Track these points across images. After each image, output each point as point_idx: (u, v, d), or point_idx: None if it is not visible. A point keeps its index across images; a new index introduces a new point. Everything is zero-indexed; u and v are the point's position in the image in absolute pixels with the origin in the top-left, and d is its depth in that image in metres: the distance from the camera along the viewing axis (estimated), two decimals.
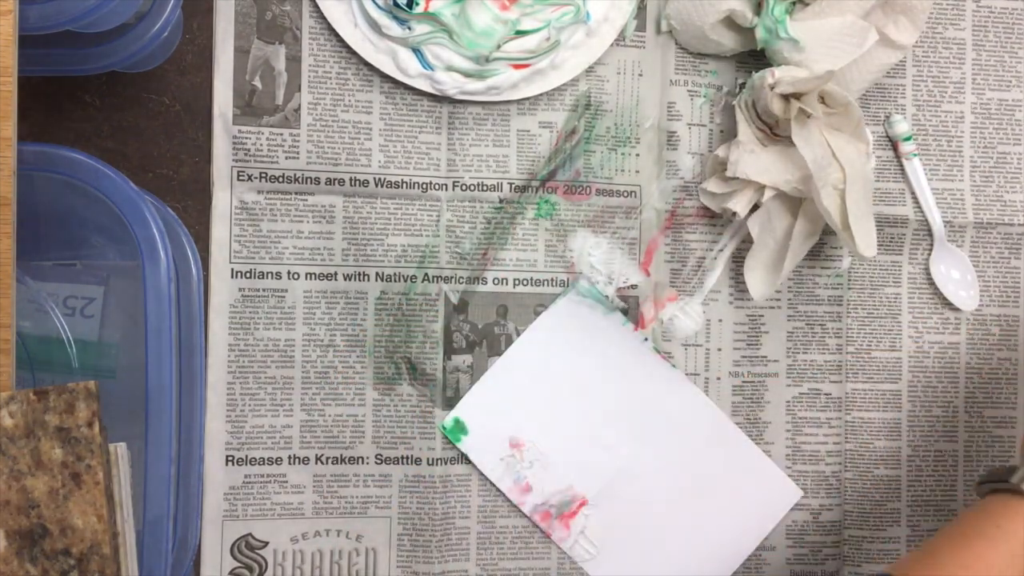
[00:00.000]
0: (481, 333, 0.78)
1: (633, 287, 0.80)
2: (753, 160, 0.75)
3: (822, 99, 0.75)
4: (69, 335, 0.70)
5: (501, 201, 0.78)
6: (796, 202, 0.78)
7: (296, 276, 0.76)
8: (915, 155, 0.83)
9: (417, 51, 0.75)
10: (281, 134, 0.75)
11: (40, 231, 0.69)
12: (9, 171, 0.54)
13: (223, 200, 0.75)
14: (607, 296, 0.79)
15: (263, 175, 0.75)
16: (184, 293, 0.70)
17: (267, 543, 0.75)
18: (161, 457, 0.63)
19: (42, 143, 0.64)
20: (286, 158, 0.75)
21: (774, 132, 0.77)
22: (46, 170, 0.63)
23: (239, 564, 0.75)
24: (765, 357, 0.82)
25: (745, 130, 0.77)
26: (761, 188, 0.77)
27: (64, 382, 0.54)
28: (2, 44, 0.53)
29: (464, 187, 0.78)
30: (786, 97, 0.73)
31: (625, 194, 0.80)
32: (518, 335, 0.78)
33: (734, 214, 0.78)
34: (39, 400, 0.54)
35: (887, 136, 0.84)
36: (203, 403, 0.72)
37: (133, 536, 0.58)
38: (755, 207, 0.78)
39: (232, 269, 0.75)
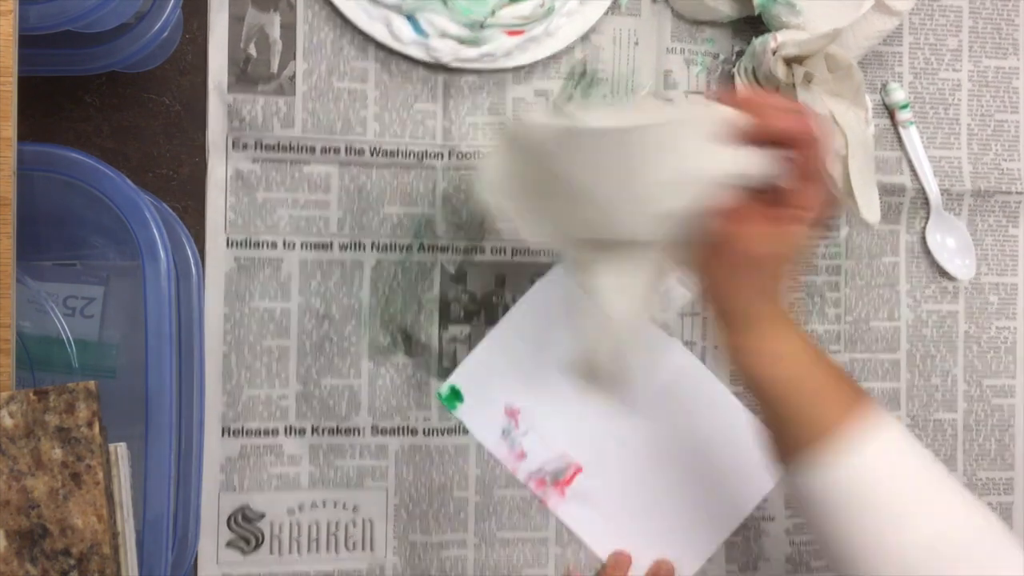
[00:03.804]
0: (479, 303, 0.78)
1: None
2: None
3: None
4: (69, 335, 0.70)
5: None
6: None
7: (292, 246, 0.75)
8: (912, 123, 0.83)
9: (411, 18, 0.75)
10: (276, 102, 0.75)
11: (40, 231, 0.68)
12: (9, 171, 0.53)
13: (218, 169, 0.74)
14: None
15: (258, 144, 0.75)
16: (184, 293, 0.69)
17: (264, 514, 0.75)
18: (161, 457, 0.63)
19: (42, 143, 0.64)
20: (281, 127, 0.75)
21: None
22: (46, 170, 0.63)
23: (236, 535, 0.74)
24: None
25: None
26: None
27: (64, 382, 0.54)
28: (2, 44, 0.53)
29: (460, 156, 0.77)
30: (788, 63, 0.73)
31: None
32: (515, 305, 0.78)
33: None
34: (39, 400, 0.53)
35: (884, 104, 0.83)
36: (203, 402, 0.72)
37: (133, 536, 0.58)
38: None
39: (227, 238, 0.74)
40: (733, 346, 0.61)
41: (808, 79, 0.73)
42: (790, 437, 0.59)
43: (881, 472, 0.57)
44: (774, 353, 0.60)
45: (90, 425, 0.53)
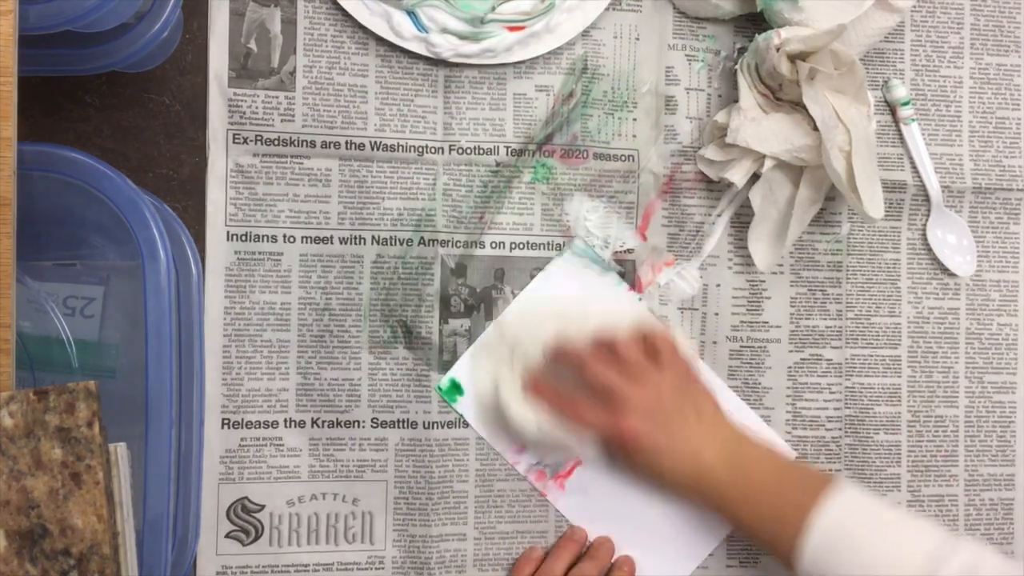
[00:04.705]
0: (479, 297, 0.78)
1: (629, 251, 0.79)
2: (754, 128, 0.75)
3: None
4: (69, 335, 0.70)
5: (497, 165, 0.78)
6: (797, 171, 0.77)
7: (292, 239, 0.76)
8: (913, 120, 0.83)
9: (411, 13, 0.75)
10: (277, 97, 0.75)
11: (40, 231, 0.68)
12: (9, 171, 0.54)
13: (218, 163, 0.75)
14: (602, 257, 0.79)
15: (259, 138, 0.75)
16: (184, 293, 0.69)
17: (263, 506, 0.75)
18: (161, 457, 0.63)
19: (42, 143, 0.64)
20: (281, 121, 0.75)
21: (777, 97, 0.76)
22: (46, 170, 0.63)
23: (235, 527, 0.75)
24: (767, 323, 0.82)
25: (747, 96, 0.77)
26: (760, 158, 0.76)
27: (64, 382, 0.54)
28: (2, 44, 0.53)
29: (460, 151, 0.78)
30: (792, 59, 0.73)
31: (622, 158, 0.80)
32: (515, 298, 0.78)
33: (731, 183, 0.78)
34: (39, 400, 0.53)
35: (885, 101, 0.83)
36: (203, 402, 0.72)
37: (133, 536, 0.58)
38: (753, 177, 0.78)
39: (228, 232, 0.75)
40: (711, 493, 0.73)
41: (812, 75, 0.73)
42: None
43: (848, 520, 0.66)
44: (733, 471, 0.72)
45: (90, 425, 0.54)
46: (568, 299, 0.78)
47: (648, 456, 0.72)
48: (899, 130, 0.83)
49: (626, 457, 0.74)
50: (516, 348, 0.76)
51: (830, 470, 0.82)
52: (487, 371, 0.76)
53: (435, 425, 0.77)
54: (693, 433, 0.72)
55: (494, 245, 0.78)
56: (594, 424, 0.73)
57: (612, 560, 0.78)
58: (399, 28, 0.75)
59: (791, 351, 0.82)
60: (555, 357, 0.75)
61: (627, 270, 0.80)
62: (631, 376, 0.73)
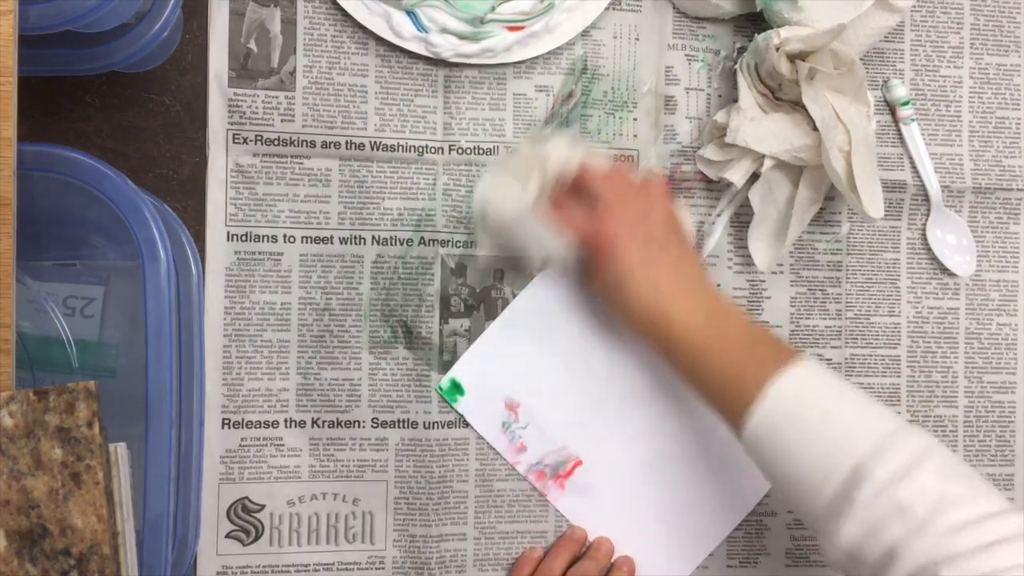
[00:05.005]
0: (478, 297, 0.78)
1: None
2: (754, 128, 0.75)
3: None
4: (69, 335, 0.70)
5: None
6: (796, 171, 0.77)
7: (292, 239, 0.76)
8: (913, 120, 0.83)
9: (411, 13, 0.75)
10: (276, 97, 0.75)
11: (40, 231, 0.68)
12: (9, 171, 0.54)
13: (218, 163, 0.75)
14: None
15: (259, 138, 0.75)
16: (184, 293, 0.69)
17: (263, 506, 0.75)
18: (161, 457, 0.63)
19: (42, 143, 0.64)
20: (281, 121, 0.75)
21: (776, 96, 0.76)
22: (46, 170, 0.63)
23: (236, 527, 0.75)
24: (767, 322, 0.82)
25: (747, 96, 0.77)
26: (759, 158, 0.76)
27: (64, 382, 0.54)
28: (2, 44, 0.53)
29: (460, 151, 0.78)
30: (792, 59, 0.73)
31: (622, 158, 0.80)
32: (515, 299, 0.78)
33: (730, 183, 0.78)
34: (39, 400, 0.53)
35: (885, 101, 0.83)
36: (203, 402, 0.72)
37: (133, 536, 0.58)
38: (752, 177, 0.78)
39: (228, 232, 0.75)
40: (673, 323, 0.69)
41: (812, 75, 0.73)
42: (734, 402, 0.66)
43: (802, 394, 0.64)
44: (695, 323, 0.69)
45: (90, 425, 0.54)
46: (571, 302, 0.79)
47: (619, 269, 0.70)
48: (899, 130, 0.83)
49: (595, 264, 0.71)
50: (537, 167, 0.73)
51: None
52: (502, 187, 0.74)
53: (435, 425, 0.77)
54: (673, 271, 0.70)
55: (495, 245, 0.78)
56: (577, 225, 0.71)
57: (612, 560, 0.78)
58: (399, 28, 0.75)
59: None
60: (568, 181, 0.73)
61: None
62: (625, 196, 0.71)
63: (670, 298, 0.69)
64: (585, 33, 0.79)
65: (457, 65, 0.77)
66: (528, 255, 0.74)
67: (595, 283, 0.73)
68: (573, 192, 0.73)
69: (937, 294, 0.84)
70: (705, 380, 0.68)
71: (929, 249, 0.84)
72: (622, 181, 0.72)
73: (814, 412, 0.62)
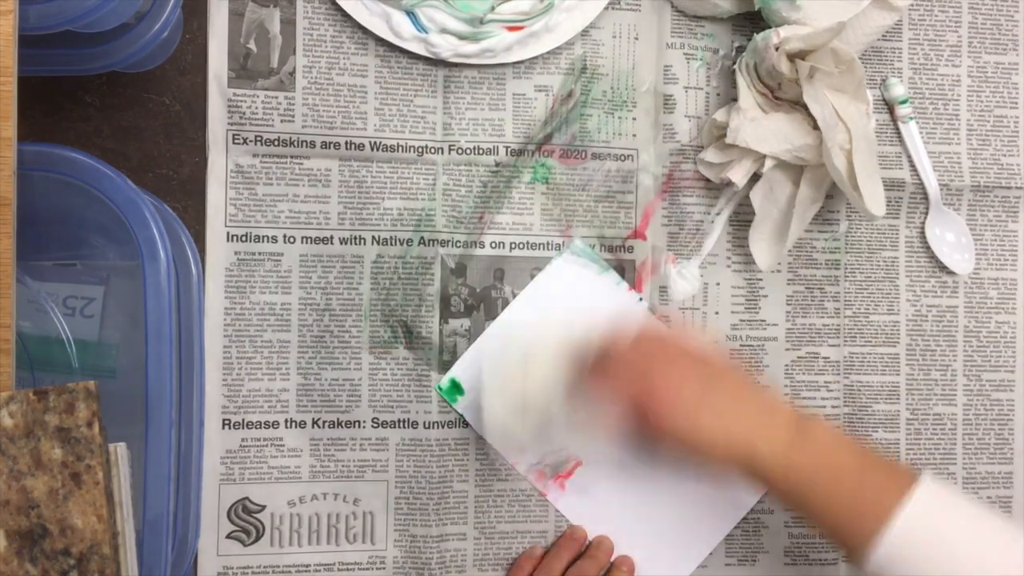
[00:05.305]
0: (478, 297, 0.78)
1: (630, 251, 0.80)
2: (754, 128, 0.75)
3: None
4: (69, 335, 0.70)
5: (497, 165, 0.78)
6: (797, 170, 0.77)
7: (292, 239, 0.76)
8: (911, 119, 0.83)
9: (411, 14, 0.75)
10: (276, 97, 0.75)
11: (40, 231, 0.68)
12: (9, 171, 0.53)
13: (218, 164, 0.75)
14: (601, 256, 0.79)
15: (258, 138, 0.75)
16: (184, 293, 0.69)
17: (264, 507, 0.75)
18: (161, 457, 0.63)
19: (42, 143, 0.64)
20: (281, 121, 0.75)
21: (776, 96, 0.76)
22: (46, 170, 0.63)
23: (236, 528, 0.75)
24: (764, 321, 0.82)
25: (746, 96, 0.77)
26: (760, 158, 0.77)
27: (64, 382, 0.54)
28: (2, 44, 0.53)
29: (460, 151, 0.78)
30: (791, 58, 0.73)
31: (621, 158, 0.80)
32: (515, 299, 0.78)
33: (731, 183, 0.78)
34: (39, 400, 0.53)
35: (883, 100, 0.84)
36: (203, 402, 0.72)
37: (133, 536, 0.58)
38: (753, 176, 0.78)
39: (228, 232, 0.75)
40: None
41: (812, 74, 0.73)
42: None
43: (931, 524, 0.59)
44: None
45: (90, 425, 0.54)
46: (571, 302, 0.78)
47: (683, 412, 0.63)
48: (897, 129, 0.83)
49: (659, 420, 0.64)
50: (528, 357, 0.71)
51: None
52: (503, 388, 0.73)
53: (435, 425, 0.77)
54: (735, 396, 0.65)
55: (494, 245, 0.78)
56: (622, 390, 0.65)
57: (611, 560, 0.78)
58: (398, 28, 0.75)
59: (788, 349, 0.82)
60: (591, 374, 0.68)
61: (628, 270, 0.80)
62: (653, 349, 0.67)
63: (744, 424, 0.64)
64: (584, 33, 0.79)
65: (457, 65, 0.77)
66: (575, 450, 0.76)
67: (663, 440, 0.66)
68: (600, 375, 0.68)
69: (936, 292, 0.84)
70: (817, 516, 0.63)
71: (928, 247, 0.84)
72: (649, 346, 0.67)
73: (942, 547, 0.59)
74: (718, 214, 0.81)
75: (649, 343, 0.67)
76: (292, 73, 0.76)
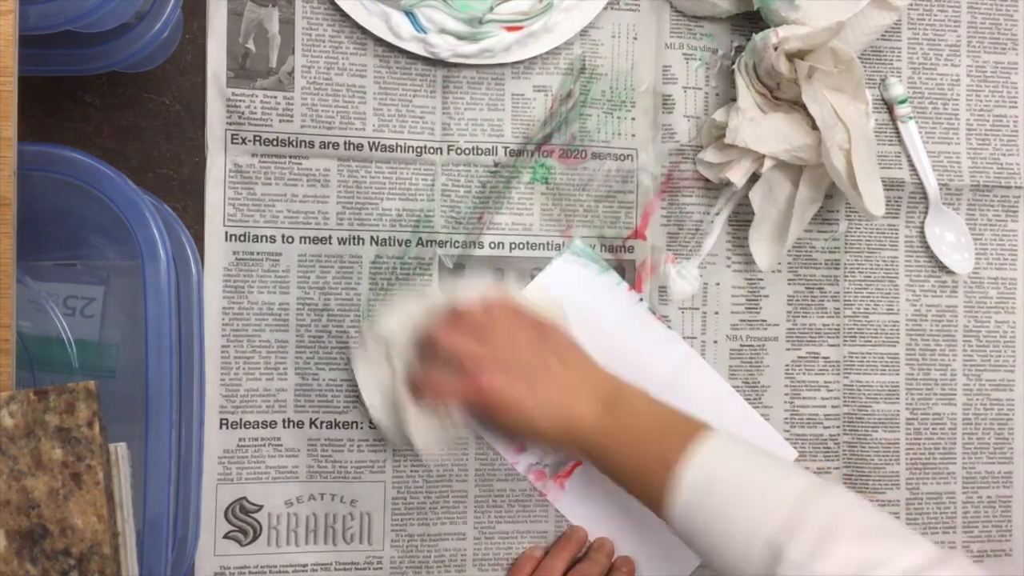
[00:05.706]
0: None
1: (630, 251, 0.80)
2: (753, 128, 0.75)
3: None
4: (69, 335, 0.70)
5: (496, 165, 0.78)
6: (796, 170, 0.77)
7: (290, 239, 0.76)
8: (911, 118, 0.83)
9: (410, 14, 0.75)
10: (275, 97, 0.75)
11: (40, 231, 0.68)
12: (9, 171, 0.53)
13: (217, 163, 0.75)
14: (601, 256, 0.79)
15: (257, 138, 0.75)
16: (184, 292, 0.69)
17: (261, 506, 0.75)
18: (161, 457, 0.63)
19: (42, 143, 0.64)
20: (280, 121, 0.75)
21: (775, 96, 0.76)
22: (46, 170, 0.63)
23: (233, 527, 0.75)
24: (765, 321, 0.82)
25: (745, 96, 0.77)
26: (759, 158, 0.76)
27: (64, 382, 0.54)
28: (2, 44, 0.53)
29: (459, 151, 0.78)
30: (790, 57, 0.73)
31: (621, 158, 0.80)
32: None
33: (730, 183, 0.78)
34: (39, 400, 0.53)
35: (883, 99, 0.84)
36: (203, 402, 0.72)
37: (133, 536, 0.57)
38: (752, 176, 0.78)
39: (226, 232, 0.75)
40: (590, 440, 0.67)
41: (811, 74, 0.73)
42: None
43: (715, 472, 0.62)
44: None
45: (90, 425, 0.54)
46: (571, 302, 0.78)
47: (514, 411, 0.67)
48: (896, 128, 0.83)
49: (492, 418, 0.68)
50: (391, 348, 0.72)
51: (828, 469, 0.82)
52: (372, 379, 0.73)
53: None
54: (560, 383, 0.68)
55: (493, 245, 0.78)
56: (453, 392, 0.68)
57: (612, 560, 0.78)
58: (397, 28, 0.75)
59: (788, 349, 0.82)
60: (420, 348, 0.71)
61: (627, 269, 0.80)
62: (480, 338, 0.69)
63: (569, 410, 0.67)
64: (583, 33, 0.79)
65: (455, 65, 0.77)
66: (419, 448, 0.72)
67: (505, 432, 0.72)
68: (432, 358, 0.70)
69: (935, 292, 0.84)
70: (621, 478, 0.67)
71: (927, 247, 0.84)
72: (465, 324, 0.70)
73: (726, 494, 0.61)
74: (717, 214, 0.81)
75: (461, 325, 0.70)
76: (291, 73, 0.76)
